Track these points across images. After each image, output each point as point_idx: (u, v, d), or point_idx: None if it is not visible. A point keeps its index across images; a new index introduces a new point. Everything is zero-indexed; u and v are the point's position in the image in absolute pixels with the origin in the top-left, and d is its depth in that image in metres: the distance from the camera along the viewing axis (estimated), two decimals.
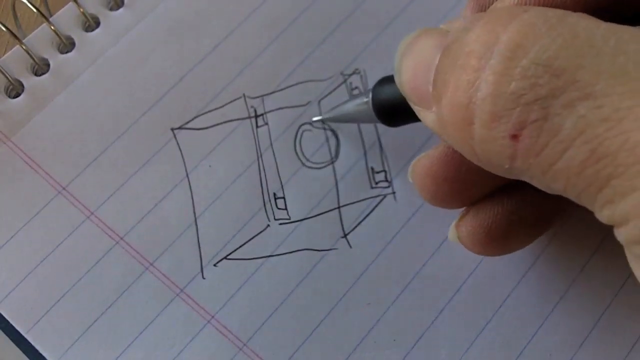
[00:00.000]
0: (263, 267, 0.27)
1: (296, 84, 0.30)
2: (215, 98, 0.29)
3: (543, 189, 0.17)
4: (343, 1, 0.31)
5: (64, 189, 0.28)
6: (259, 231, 0.28)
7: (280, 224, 0.28)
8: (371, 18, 0.31)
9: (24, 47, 0.29)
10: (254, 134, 0.29)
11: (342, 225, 0.28)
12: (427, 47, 0.19)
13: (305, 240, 0.28)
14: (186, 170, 0.28)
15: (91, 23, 0.30)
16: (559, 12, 0.16)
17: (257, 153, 0.29)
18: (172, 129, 0.29)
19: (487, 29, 0.16)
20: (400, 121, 0.25)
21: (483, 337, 0.27)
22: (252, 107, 0.29)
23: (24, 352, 0.26)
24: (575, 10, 0.17)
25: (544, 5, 0.19)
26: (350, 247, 0.28)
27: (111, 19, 0.30)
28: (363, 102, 0.26)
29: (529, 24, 0.16)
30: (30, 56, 0.29)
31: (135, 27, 0.30)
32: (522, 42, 0.16)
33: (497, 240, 0.24)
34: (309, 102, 0.30)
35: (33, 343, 0.26)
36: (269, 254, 0.28)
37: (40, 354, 0.26)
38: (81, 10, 0.30)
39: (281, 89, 0.30)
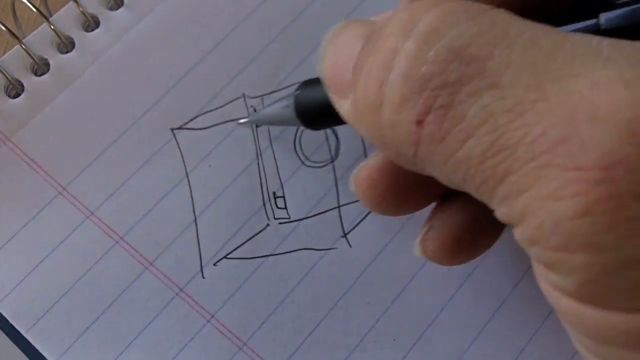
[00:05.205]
0: (263, 266, 0.27)
1: (296, 83, 0.30)
2: (214, 98, 0.29)
3: (445, 183, 0.17)
4: (342, 0, 0.31)
5: (64, 189, 0.28)
6: (258, 230, 0.28)
7: (280, 223, 0.28)
8: (370, 17, 0.31)
9: (23, 46, 0.29)
10: (253, 133, 0.29)
11: (342, 224, 0.28)
12: (352, 35, 0.18)
13: (305, 239, 0.28)
14: (186, 170, 0.28)
15: (91, 23, 0.30)
16: (482, 5, 0.16)
17: (257, 152, 0.29)
18: (172, 129, 0.29)
19: (409, 14, 0.16)
20: (322, 123, 0.25)
21: (483, 336, 0.27)
22: (251, 106, 0.29)
23: (24, 351, 0.26)
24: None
25: None
26: (350, 246, 0.28)
27: (111, 19, 0.30)
28: (285, 105, 0.26)
29: (449, 11, 0.16)
30: (30, 56, 0.29)
31: (135, 26, 0.30)
32: (438, 27, 0.15)
33: (465, 250, 0.23)
34: None
35: (33, 342, 0.26)
36: (268, 254, 0.28)
37: (40, 354, 0.26)
38: (81, 9, 0.30)
39: (281, 89, 0.30)
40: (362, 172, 0.22)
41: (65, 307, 0.26)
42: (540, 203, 0.14)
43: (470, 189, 0.16)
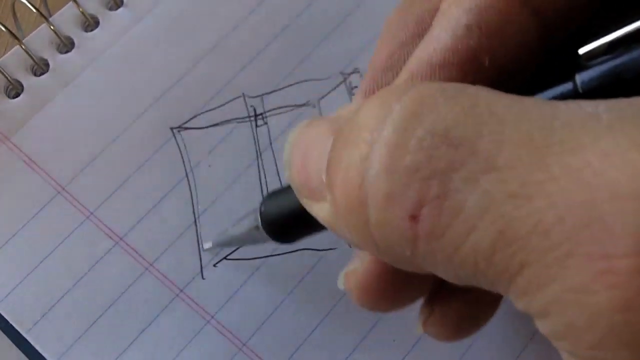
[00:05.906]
0: (262, 267, 0.27)
1: (296, 83, 0.30)
2: (214, 97, 0.29)
3: (453, 281, 0.15)
4: (342, 1, 0.31)
5: (63, 189, 0.28)
6: None
7: None
8: (371, 17, 0.31)
9: (23, 47, 0.29)
10: (253, 133, 0.29)
11: None
12: (318, 133, 0.17)
13: (304, 239, 0.28)
14: (186, 170, 0.28)
15: (90, 23, 0.30)
16: (457, 84, 0.15)
17: (257, 152, 0.29)
18: (172, 129, 0.29)
19: (380, 102, 0.15)
20: (297, 235, 0.23)
21: (482, 337, 0.27)
22: (251, 106, 0.29)
23: (24, 352, 0.26)
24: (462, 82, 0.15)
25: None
26: (350, 246, 0.28)
27: (110, 19, 0.31)
28: (253, 224, 0.23)
29: (425, 94, 0.14)
30: (30, 56, 0.29)
31: (134, 26, 0.30)
32: (417, 111, 0.14)
33: (469, 327, 0.22)
34: (308, 101, 0.30)
35: (33, 343, 0.26)
36: (268, 254, 0.28)
37: (40, 354, 0.26)
38: (80, 9, 0.30)
39: (280, 88, 0.30)
40: (353, 279, 0.21)
41: (65, 308, 0.26)
42: (568, 297, 0.12)
43: (482, 284, 0.14)
